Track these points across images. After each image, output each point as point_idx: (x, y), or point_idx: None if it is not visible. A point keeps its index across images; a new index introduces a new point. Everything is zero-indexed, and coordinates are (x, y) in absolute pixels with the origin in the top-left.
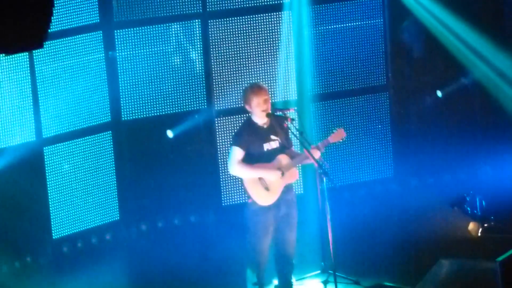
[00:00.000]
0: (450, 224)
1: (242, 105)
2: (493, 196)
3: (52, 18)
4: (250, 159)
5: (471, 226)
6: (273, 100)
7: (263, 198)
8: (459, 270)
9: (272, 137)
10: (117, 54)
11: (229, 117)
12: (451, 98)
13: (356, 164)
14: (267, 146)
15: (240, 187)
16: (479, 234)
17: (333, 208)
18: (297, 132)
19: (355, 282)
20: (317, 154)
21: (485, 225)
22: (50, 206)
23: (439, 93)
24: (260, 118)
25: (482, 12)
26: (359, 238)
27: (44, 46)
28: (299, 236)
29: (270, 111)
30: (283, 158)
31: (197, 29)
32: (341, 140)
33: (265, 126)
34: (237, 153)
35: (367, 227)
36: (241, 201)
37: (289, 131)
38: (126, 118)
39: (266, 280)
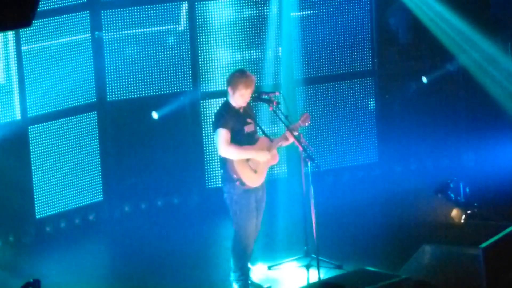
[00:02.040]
0: (434, 210)
1: (226, 87)
2: (476, 183)
3: None
4: (234, 140)
5: (454, 212)
6: (258, 84)
7: (251, 179)
8: (442, 256)
9: (249, 120)
10: (104, 35)
11: (214, 100)
12: (436, 84)
13: (340, 148)
14: (246, 128)
15: (223, 171)
16: (462, 221)
17: (317, 192)
18: (282, 114)
19: (337, 267)
20: (290, 137)
21: (468, 211)
22: (34, 185)
23: (424, 79)
24: (237, 103)
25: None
26: (343, 223)
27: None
28: (283, 219)
29: (256, 94)
30: (264, 140)
31: (184, 11)
32: (307, 125)
33: (241, 110)
34: (225, 134)
35: (350, 212)
36: (219, 185)
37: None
38: (111, 99)
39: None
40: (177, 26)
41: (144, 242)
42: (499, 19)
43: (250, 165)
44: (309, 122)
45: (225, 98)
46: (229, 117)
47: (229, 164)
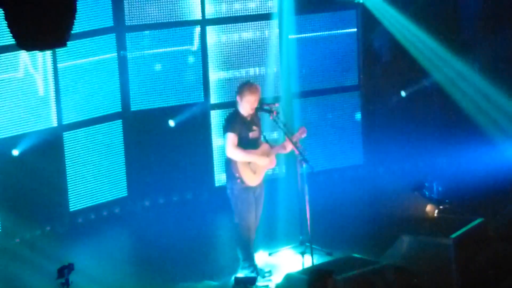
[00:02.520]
0: (411, 205)
1: (235, 95)
2: (448, 182)
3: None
4: (240, 144)
5: (429, 208)
6: (261, 96)
7: (251, 179)
8: (417, 245)
9: (254, 127)
10: (128, 54)
11: (221, 110)
12: (414, 97)
13: (331, 152)
14: (251, 135)
15: (226, 170)
16: (436, 215)
17: (310, 190)
18: (281, 123)
19: (328, 254)
20: (289, 144)
21: (441, 207)
22: (68, 183)
23: (403, 93)
24: (245, 112)
25: (442, 21)
26: (333, 216)
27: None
28: (281, 213)
29: (258, 105)
30: (265, 147)
31: (197, 34)
32: (303, 137)
33: (248, 118)
34: (233, 138)
35: (339, 207)
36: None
37: (260, 122)
38: (134, 109)
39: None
40: (191, 46)
41: (162, 231)
42: (468, 42)
43: (250, 167)
44: (305, 135)
45: (234, 108)
46: (237, 123)
47: (233, 164)
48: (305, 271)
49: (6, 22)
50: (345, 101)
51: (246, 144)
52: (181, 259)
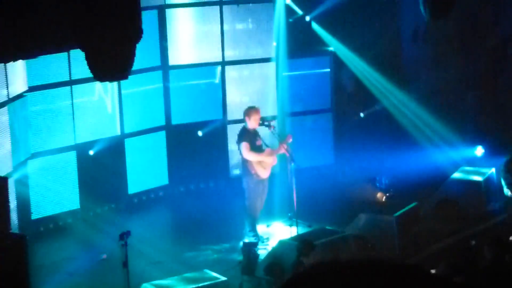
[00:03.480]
0: (366, 193)
1: (243, 117)
2: (392, 177)
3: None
4: (251, 149)
5: (379, 195)
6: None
7: (263, 173)
8: (371, 220)
9: (258, 138)
10: (170, 84)
11: (235, 125)
12: (369, 117)
13: (311, 154)
14: (257, 143)
15: (242, 168)
16: (383, 200)
17: (296, 181)
18: (277, 134)
19: (308, 226)
20: (282, 148)
21: (387, 194)
22: (127, 174)
23: (362, 114)
24: (251, 127)
25: (389, 64)
26: (312, 200)
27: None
28: (276, 198)
29: (261, 121)
30: (268, 150)
31: (219, 71)
32: (290, 141)
33: (252, 132)
34: (247, 145)
35: (316, 194)
36: (239, 175)
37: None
38: (174, 123)
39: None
40: (214, 80)
41: (192, 209)
42: (408, 79)
43: (261, 164)
44: (291, 140)
45: (243, 124)
46: (247, 135)
47: (249, 163)
48: (293, 238)
49: (86, 62)
50: (321, 119)
51: (255, 149)
52: (204, 228)
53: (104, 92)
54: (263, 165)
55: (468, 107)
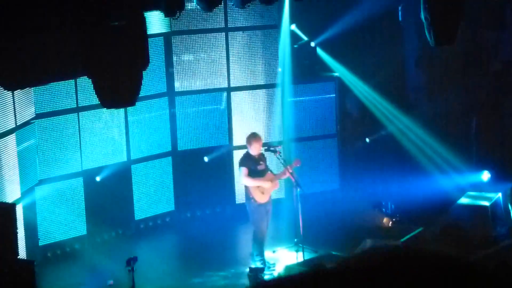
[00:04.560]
0: (372, 218)
1: (246, 143)
2: (399, 202)
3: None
4: (250, 174)
5: (385, 220)
6: (268, 140)
7: (260, 198)
8: (376, 246)
9: (261, 162)
10: (176, 111)
11: (239, 150)
12: (375, 142)
13: (316, 181)
14: (259, 167)
15: (244, 193)
16: (390, 225)
17: (302, 206)
18: (282, 160)
19: (314, 251)
20: (287, 173)
21: (393, 219)
22: (134, 200)
23: (367, 139)
24: (254, 152)
25: (394, 89)
26: (318, 225)
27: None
28: (282, 223)
29: (266, 147)
30: (269, 175)
31: (224, 97)
32: (298, 165)
33: (256, 157)
34: (245, 171)
35: (322, 219)
36: (244, 202)
37: (265, 158)
38: (180, 149)
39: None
40: (220, 106)
41: (198, 235)
42: (413, 104)
43: (259, 189)
44: (300, 164)
45: (246, 150)
46: (247, 160)
47: (248, 188)
48: (299, 263)
49: (94, 89)
50: (326, 144)
51: (256, 174)
52: (211, 254)
53: (111, 119)
54: (261, 190)
55: (473, 132)
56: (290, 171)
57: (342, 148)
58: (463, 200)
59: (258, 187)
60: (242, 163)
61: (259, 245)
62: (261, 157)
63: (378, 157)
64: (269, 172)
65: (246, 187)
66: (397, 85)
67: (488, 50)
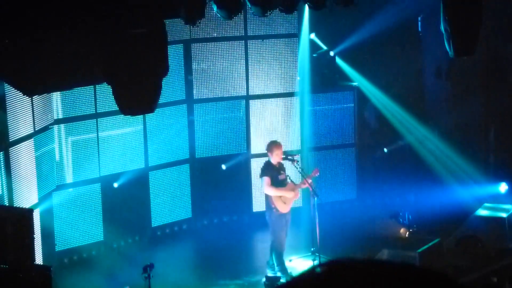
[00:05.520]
0: (389, 228)
1: (266, 151)
2: (416, 212)
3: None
4: (272, 184)
5: (402, 230)
6: (287, 149)
7: (282, 208)
8: (394, 256)
9: (281, 172)
10: (195, 118)
11: (258, 159)
12: (393, 152)
13: (334, 189)
14: (280, 177)
15: (262, 201)
16: (407, 235)
17: (320, 215)
18: (300, 168)
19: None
20: (305, 183)
21: (410, 230)
22: (151, 206)
23: (385, 150)
24: (274, 161)
25: (412, 100)
26: (335, 234)
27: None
28: (299, 232)
29: (284, 156)
30: (290, 185)
31: (244, 105)
32: (317, 175)
33: (277, 166)
34: (267, 180)
35: (340, 228)
36: (262, 210)
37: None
38: (198, 156)
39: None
40: (238, 113)
41: (215, 242)
42: (431, 115)
43: (281, 199)
44: (318, 174)
45: (267, 158)
46: (269, 170)
47: (270, 198)
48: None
49: (113, 96)
50: (344, 154)
51: (277, 183)
52: (228, 262)
53: (130, 125)
54: (283, 199)
55: (491, 143)
56: (309, 181)
57: (360, 157)
58: (481, 212)
59: (280, 197)
60: (264, 172)
61: (278, 254)
62: (282, 166)
63: (396, 167)
64: (289, 181)
65: (267, 197)
66: (416, 96)
67: (508, 62)
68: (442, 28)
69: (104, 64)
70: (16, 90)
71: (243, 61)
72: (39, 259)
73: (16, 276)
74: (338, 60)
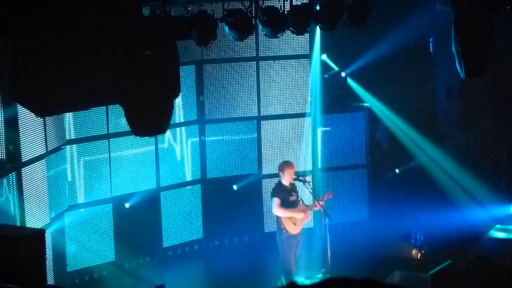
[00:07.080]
0: (401, 250)
1: (278, 172)
2: (428, 234)
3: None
4: (283, 205)
5: (414, 251)
6: (298, 169)
7: (292, 229)
8: (406, 278)
9: (293, 193)
10: (206, 138)
11: (270, 179)
12: (405, 173)
13: (345, 210)
14: (291, 198)
15: (273, 222)
16: (419, 257)
17: (331, 236)
18: (311, 189)
19: None
20: (317, 205)
21: (422, 251)
22: (163, 227)
23: (397, 170)
24: (286, 182)
25: (425, 122)
26: (347, 255)
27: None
28: (310, 253)
29: (295, 176)
30: (301, 206)
31: (256, 125)
32: (330, 197)
33: (288, 187)
34: (277, 201)
35: (351, 249)
36: (273, 230)
37: (297, 189)
38: (209, 177)
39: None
40: (250, 135)
41: (226, 263)
42: (443, 137)
43: (291, 220)
44: (331, 196)
45: (279, 179)
46: (280, 191)
47: (280, 219)
48: None
49: (125, 116)
50: (356, 175)
51: (288, 204)
52: (237, 282)
53: (141, 146)
54: (293, 220)
55: (502, 164)
56: (321, 203)
57: (372, 178)
58: (493, 233)
59: (291, 218)
60: (274, 193)
61: (288, 276)
62: (293, 187)
63: (408, 188)
64: (301, 203)
65: (277, 218)
66: (428, 116)
67: None
68: (453, 49)
69: (116, 84)
70: (28, 111)
71: (255, 82)
72: (50, 280)
73: None
74: (350, 81)
